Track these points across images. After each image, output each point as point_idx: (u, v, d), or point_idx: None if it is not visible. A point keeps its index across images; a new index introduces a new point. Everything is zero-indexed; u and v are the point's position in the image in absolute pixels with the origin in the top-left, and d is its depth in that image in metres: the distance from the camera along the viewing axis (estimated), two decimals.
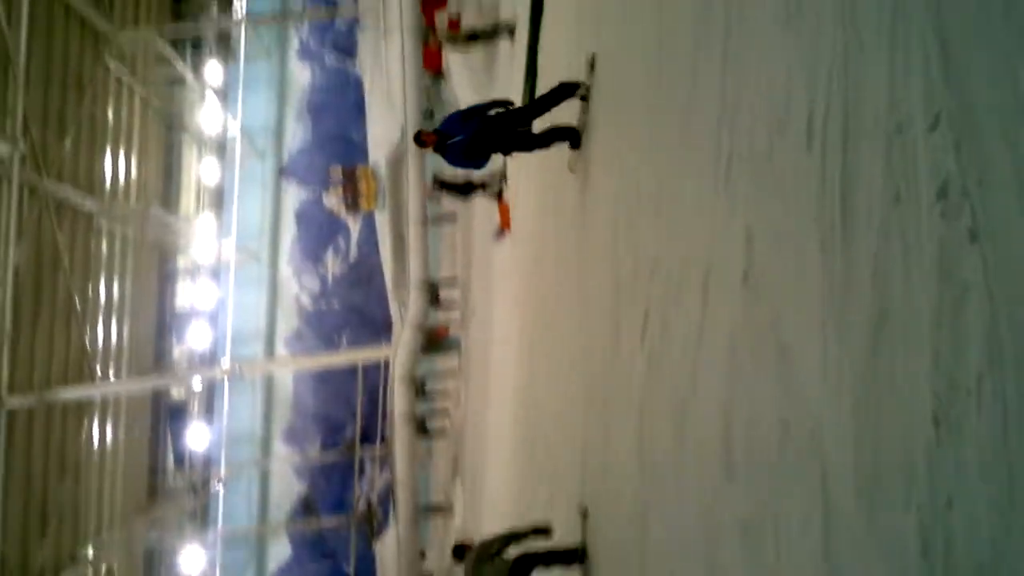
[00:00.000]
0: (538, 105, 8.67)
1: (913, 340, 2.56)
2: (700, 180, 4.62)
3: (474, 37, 18.21)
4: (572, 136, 8.56)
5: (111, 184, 25.25)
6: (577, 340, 8.36)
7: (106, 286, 24.92)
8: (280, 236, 44.31)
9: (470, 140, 8.18)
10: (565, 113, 8.72)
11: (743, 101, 4.16)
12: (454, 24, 23.58)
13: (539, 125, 8.85)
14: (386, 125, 26.87)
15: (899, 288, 2.66)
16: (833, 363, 3.05)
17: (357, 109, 38.67)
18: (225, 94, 35.76)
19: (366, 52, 33.41)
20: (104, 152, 24.76)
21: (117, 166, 25.75)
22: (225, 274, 37.33)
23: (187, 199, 33.24)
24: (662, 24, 5.89)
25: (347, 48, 43.78)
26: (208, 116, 33.73)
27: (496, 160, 17.58)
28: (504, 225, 16.83)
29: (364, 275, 43.43)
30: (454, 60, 22.62)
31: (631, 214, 6.38)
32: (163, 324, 30.85)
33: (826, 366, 3.10)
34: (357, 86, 39.25)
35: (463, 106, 24.43)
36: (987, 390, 2.23)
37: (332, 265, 45.55)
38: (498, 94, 12.25)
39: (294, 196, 44.64)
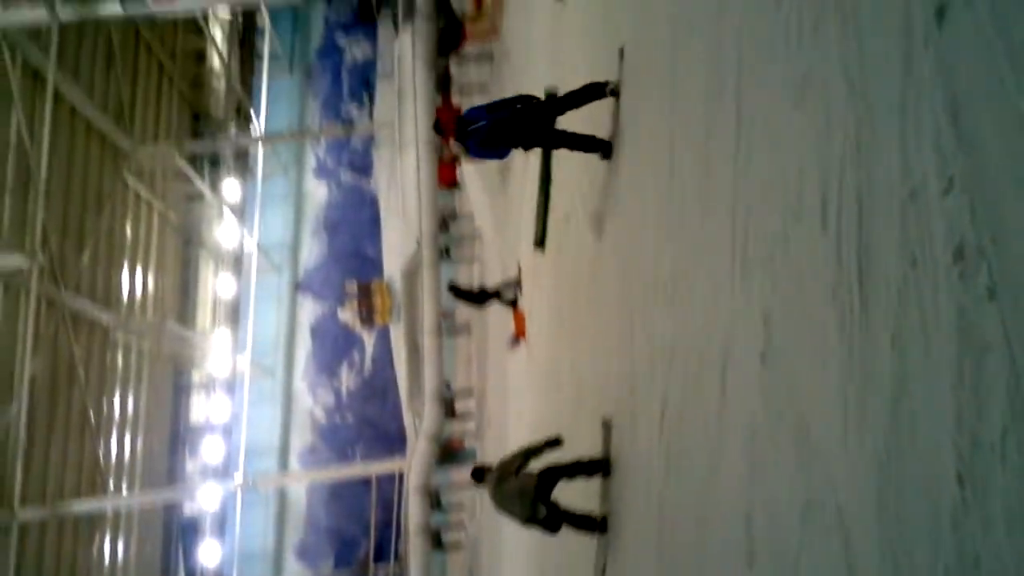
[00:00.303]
0: (564, 101, 8.40)
1: (935, 401, 2.57)
2: (716, 265, 4.66)
3: None
4: (604, 147, 8.32)
5: (128, 298, 25.48)
6: (591, 438, 8.29)
7: (121, 399, 24.93)
8: (295, 350, 44.39)
9: (492, 127, 7.92)
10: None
11: (756, 184, 4.22)
12: None
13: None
14: (401, 237, 27.17)
15: (919, 352, 2.68)
16: (854, 432, 3.05)
17: (372, 225, 39.20)
18: (242, 210, 36.25)
19: (381, 168, 34.03)
20: (122, 266, 25.04)
21: (134, 280, 26.01)
22: (239, 388, 37.32)
23: (203, 313, 33.47)
24: (674, 112, 5.98)
25: (363, 166, 44.49)
26: (225, 232, 34.15)
27: (510, 268, 17.73)
28: (519, 333, 16.82)
29: (378, 389, 43.32)
30: (468, 169, 23.00)
31: (647, 303, 6.41)
32: (177, 438, 30.76)
33: (847, 436, 3.10)
34: (372, 203, 39.88)
35: (478, 214, 24.92)
36: (1011, 445, 2.23)
37: (346, 379, 45.46)
38: (512, 195, 12.22)
39: (309, 311, 44.84)
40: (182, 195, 30.12)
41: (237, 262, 36.70)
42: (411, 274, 24.56)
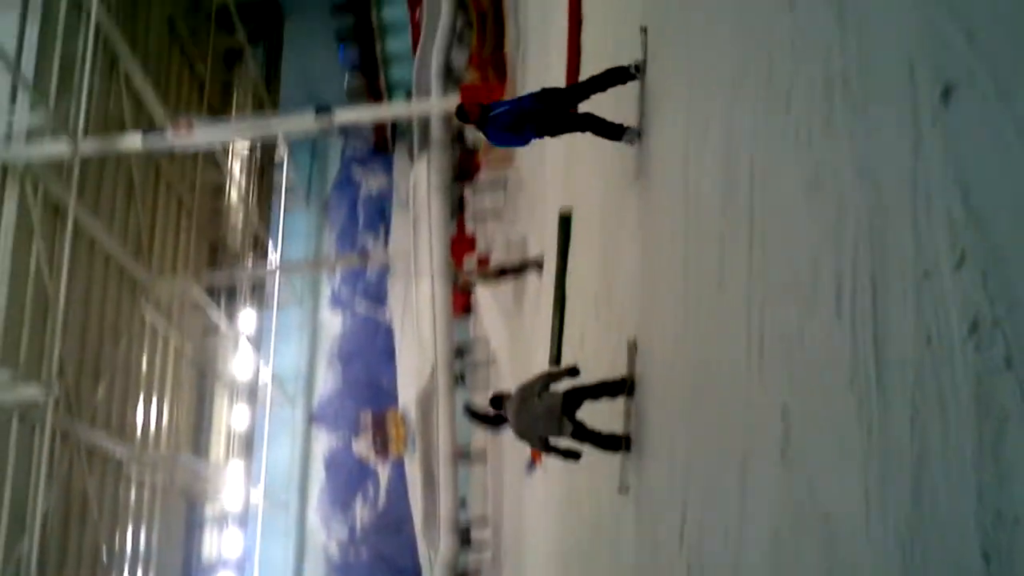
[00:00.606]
0: (586, 87, 8.37)
1: (956, 477, 2.53)
2: (733, 367, 4.64)
3: (503, 272, 18.87)
4: (631, 133, 8.13)
5: (142, 430, 25.40)
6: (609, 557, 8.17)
7: (133, 534, 24.65)
8: (309, 483, 44.03)
9: (514, 112, 7.88)
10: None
11: (770, 276, 4.24)
12: (484, 261, 24.36)
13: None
14: (416, 366, 27.21)
15: (938, 429, 2.65)
16: (876, 518, 2.99)
17: (386, 356, 39.30)
18: (258, 341, 36.44)
19: (396, 297, 34.27)
20: (137, 398, 25.04)
21: (149, 412, 25.98)
22: (253, 522, 36.92)
23: (217, 445, 33.29)
24: (688, 214, 6.03)
25: (377, 296, 44.81)
26: (241, 363, 34.25)
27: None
28: (536, 457, 16.66)
29: (393, 523, 42.76)
30: (483, 294, 23.18)
31: (667, 413, 6.37)
32: (189, 573, 30.27)
33: (869, 526, 3.04)
34: (387, 334, 40.05)
35: (493, 336, 24.94)
36: None
37: (361, 513, 44.95)
38: (527, 320, 12.31)
39: (323, 442, 44.64)
40: (199, 327, 30.30)
41: (252, 393, 36.71)
42: (426, 399, 24.50)
